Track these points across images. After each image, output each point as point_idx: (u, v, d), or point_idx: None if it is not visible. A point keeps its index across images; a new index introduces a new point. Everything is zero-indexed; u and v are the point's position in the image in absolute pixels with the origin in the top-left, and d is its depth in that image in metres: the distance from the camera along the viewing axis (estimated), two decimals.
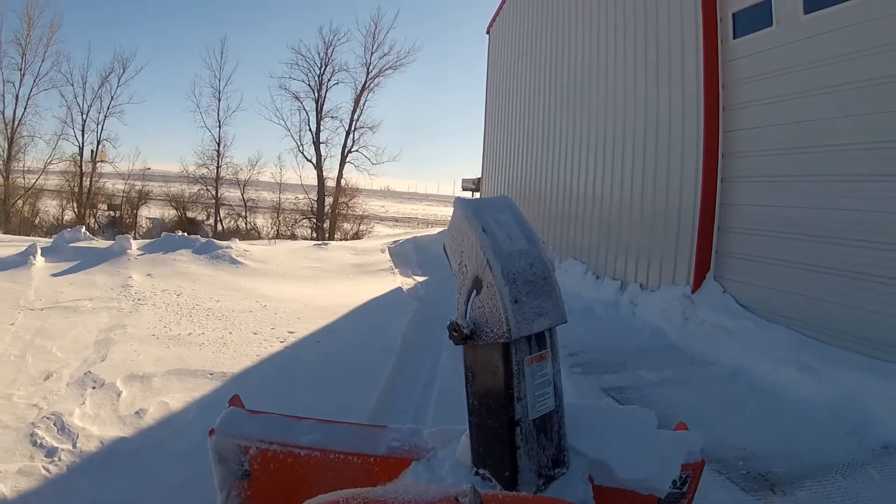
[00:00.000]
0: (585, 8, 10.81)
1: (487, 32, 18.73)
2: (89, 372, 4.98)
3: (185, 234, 12.63)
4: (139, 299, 7.45)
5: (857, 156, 5.39)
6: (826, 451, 4.23)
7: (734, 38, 6.89)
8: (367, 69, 30.50)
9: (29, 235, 17.37)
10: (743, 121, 6.80)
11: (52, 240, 11.48)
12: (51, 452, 3.74)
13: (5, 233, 17.29)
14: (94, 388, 4.70)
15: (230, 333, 6.20)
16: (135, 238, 12.18)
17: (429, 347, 6.21)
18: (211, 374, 4.99)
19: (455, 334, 1.89)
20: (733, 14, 6.86)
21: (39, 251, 9.54)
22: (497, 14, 17.54)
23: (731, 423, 4.63)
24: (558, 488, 1.93)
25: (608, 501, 1.99)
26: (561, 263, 10.72)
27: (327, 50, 30.46)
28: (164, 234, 12.32)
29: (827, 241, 5.67)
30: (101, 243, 11.57)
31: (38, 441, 3.87)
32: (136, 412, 4.31)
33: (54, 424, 4.08)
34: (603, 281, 9.22)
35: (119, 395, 4.58)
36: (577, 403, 2.25)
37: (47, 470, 3.56)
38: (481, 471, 1.95)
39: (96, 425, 4.12)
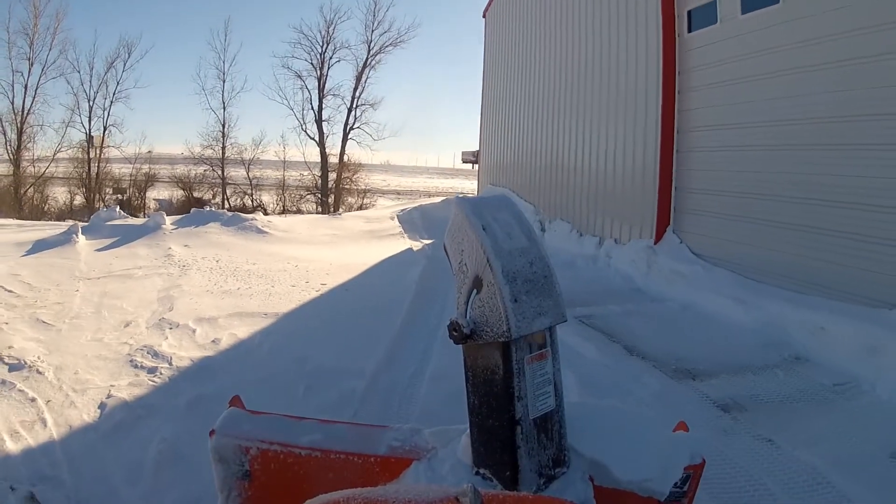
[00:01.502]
0: (568, 1, 11.89)
1: (483, 16, 19.49)
2: (163, 318, 6.02)
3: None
4: (184, 266, 8.42)
5: (788, 130, 6.48)
6: (744, 358, 5.31)
7: (689, 31, 8.02)
8: (369, 46, 31.02)
9: (41, 221, 17.82)
10: (695, 101, 7.95)
11: (89, 220, 12.32)
12: (151, 370, 4.74)
13: (20, 219, 17.62)
14: (170, 328, 5.73)
15: (272, 287, 7.36)
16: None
17: (437, 291, 7.31)
18: (265, 314, 6.17)
19: (455, 334, 1.89)
20: (688, 11, 7.99)
21: (80, 230, 10.41)
22: None
23: (673, 340, 5.79)
24: (559, 488, 1.94)
25: (608, 502, 2.01)
26: (550, 224, 11.97)
27: (329, 28, 30.90)
28: (193, 209, 13.27)
29: (761, 198, 6.82)
30: (135, 220, 12.52)
31: (139, 364, 4.86)
32: (213, 340, 5.41)
33: (148, 353, 5.10)
34: (585, 237, 10.45)
35: (194, 331, 5.64)
36: (580, 403, 2.32)
37: (153, 381, 4.56)
38: (482, 470, 1.96)
39: (183, 350, 5.16)
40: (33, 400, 4.20)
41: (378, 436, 2.24)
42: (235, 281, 7.67)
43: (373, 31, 31.03)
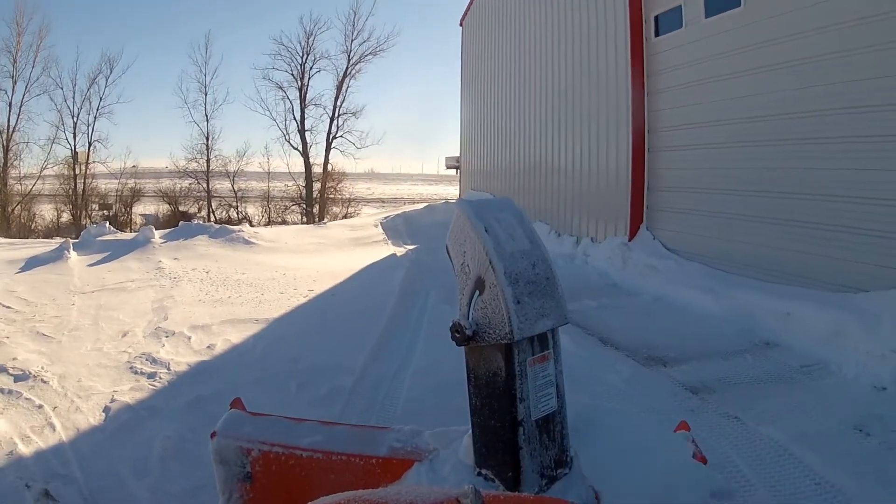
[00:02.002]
0: (541, 9, 12.26)
1: (461, 24, 19.84)
2: (158, 327, 6.19)
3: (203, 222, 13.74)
4: (175, 278, 8.54)
5: (751, 127, 6.81)
6: (715, 345, 5.54)
7: (656, 36, 8.36)
8: (349, 56, 30.92)
9: (29, 239, 17.65)
10: (664, 102, 8.29)
11: (79, 237, 12.30)
12: (151, 375, 4.91)
13: (8, 237, 17.56)
14: (166, 336, 5.91)
15: (262, 294, 7.58)
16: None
17: (419, 292, 7.61)
18: (257, 320, 6.39)
19: (457, 335, 1.89)
20: (655, 16, 8.34)
21: (72, 246, 10.47)
22: (469, 7, 18.80)
23: (645, 331, 6.04)
24: (561, 489, 1.94)
25: None
26: None
27: (308, 39, 30.77)
28: (181, 223, 13.38)
29: (729, 192, 7.15)
30: (125, 235, 12.59)
31: (138, 370, 5.03)
32: (208, 346, 5.61)
33: (146, 360, 5.27)
34: (563, 237, 10.80)
35: (189, 338, 5.83)
36: (586, 405, 2.31)
37: (153, 385, 4.73)
38: (483, 471, 1.95)
39: (180, 356, 5.36)
40: (40, 407, 4.36)
41: (379, 437, 2.26)
42: (226, 290, 7.86)
43: (352, 40, 31.00)
